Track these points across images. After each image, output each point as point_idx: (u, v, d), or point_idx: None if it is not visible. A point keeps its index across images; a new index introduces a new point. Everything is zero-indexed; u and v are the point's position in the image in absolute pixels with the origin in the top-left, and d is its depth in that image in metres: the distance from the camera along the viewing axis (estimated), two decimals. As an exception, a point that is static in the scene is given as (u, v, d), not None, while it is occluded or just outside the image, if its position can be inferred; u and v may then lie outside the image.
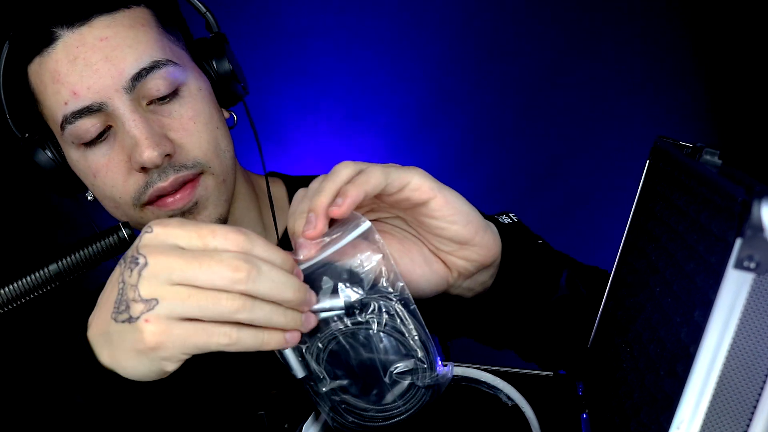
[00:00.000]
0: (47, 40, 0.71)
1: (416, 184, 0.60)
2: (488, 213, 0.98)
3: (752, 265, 0.35)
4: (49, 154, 0.78)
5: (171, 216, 0.76)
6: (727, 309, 0.37)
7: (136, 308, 0.50)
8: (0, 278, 0.60)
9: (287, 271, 0.52)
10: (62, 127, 0.73)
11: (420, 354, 0.56)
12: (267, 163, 0.96)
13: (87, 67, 0.71)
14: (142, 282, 0.50)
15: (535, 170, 1.97)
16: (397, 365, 0.57)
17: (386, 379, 0.57)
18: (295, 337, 0.54)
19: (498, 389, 0.64)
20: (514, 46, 1.90)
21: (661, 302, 0.49)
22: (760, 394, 0.37)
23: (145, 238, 0.52)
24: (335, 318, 0.56)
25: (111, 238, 0.62)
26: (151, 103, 0.74)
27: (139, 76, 0.72)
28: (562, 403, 0.65)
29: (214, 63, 0.81)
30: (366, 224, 0.55)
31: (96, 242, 0.62)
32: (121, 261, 0.54)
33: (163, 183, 0.74)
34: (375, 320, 0.56)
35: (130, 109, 0.72)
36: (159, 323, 0.50)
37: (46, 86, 0.72)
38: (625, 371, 0.54)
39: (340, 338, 0.57)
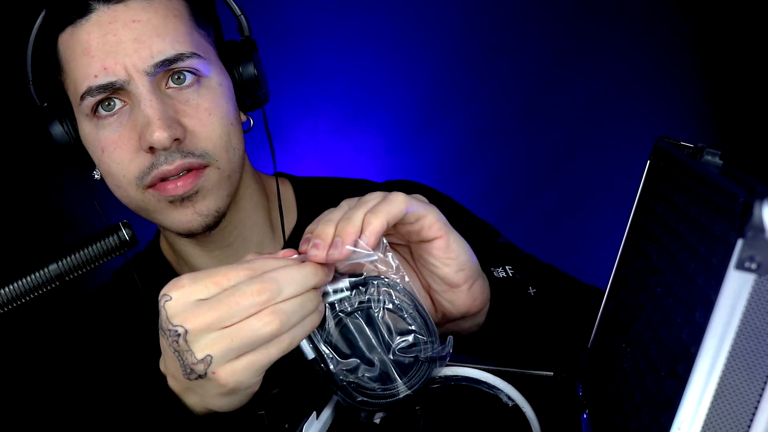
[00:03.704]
0: (82, 11, 0.73)
1: (430, 220, 0.63)
2: (489, 214, 0.97)
3: (753, 266, 0.35)
4: (65, 126, 0.79)
5: (171, 201, 0.77)
6: (729, 310, 0.36)
7: (199, 368, 0.55)
8: (0, 278, 0.60)
9: (299, 265, 0.56)
10: (82, 98, 0.74)
11: (419, 328, 0.60)
12: (265, 162, 0.96)
13: (117, 45, 0.72)
14: (192, 346, 0.54)
15: (536, 170, 1.97)
16: (399, 340, 0.60)
17: (390, 356, 0.60)
18: (322, 306, 0.59)
19: (498, 389, 0.64)
20: (515, 46, 1.89)
21: (662, 303, 0.49)
22: (761, 395, 0.37)
23: (171, 309, 0.54)
24: (340, 301, 0.60)
25: (111, 238, 0.62)
26: (170, 87, 0.75)
27: (162, 64, 0.73)
28: (563, 404, 0.65)
29: (240, 66, 0.82)
30: (374, 257, 0.60)
31: (96, 242, 0.62)
32: (162, 333, 0.57)
33: (169, 166, 0.74)
34: (375, 298, 0.60)
35: (149, 90, 0.73)
36: (224, 370, 0.54)
37: (76, 57, 0.74)
38: (626, 372, 0.54)
39: (346, 320, 0.60)
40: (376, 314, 0.61)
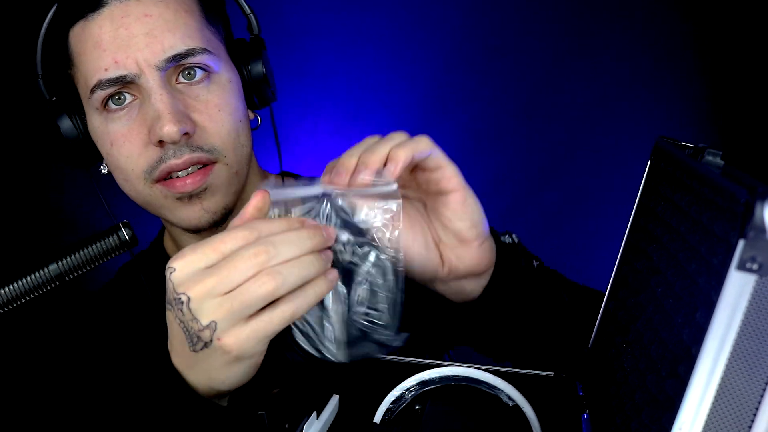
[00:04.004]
0: (94, 5, 0.73)
1: (450, 172, 0.66)
2: (489, 214, 0.97)
3: (755, 267, 0.35)
4: (74, 120, 0.79)
5: (179, 198, 0.77)
6: (730, 310, 0.36)
7: (205, 335, 0.55)
8: (0, 278, 0.60)
9: (297, 228, 0.57)
10: (92, 91, 0.74)
11: (385, 311, 0.61)
12: (269, 161, 0.96)
13: (129, 39, 0.73)
14: (196, 313, 0.55)
15: (536, 170, 1.96)
16: (362, 311, 0.61)
17: (347, 321, 0.61)
18: (334, 275, 0.58)
19: (498, 389, 0.64)
20: (515, 46, 1.89)
21: (662, 303, 0.49)
22: (762, 396, 0.37)
23: (175, 278, 0.56)
24: (333, 250, 0.60)
25: (111, 239, 0.62)
26: (180, 82, 0.76)
27: (173, 59, 0.74)
28: (563, 404, 0.65)
29: (249, 64, 0.83)
30: (394, 186, 0.61)
31: (96, 242, 0.62)
32: (168, 306, 0.58)
33: (177, 160, 0.75)
34: (363, 266, 0.61)
35: (159, 84, 0.73)
36: (229, 336, 0.55)
37: (87, 51, 0.74)
38: (626, 372, 0.54)
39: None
40: (356, 277, 0.61)
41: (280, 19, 1.84)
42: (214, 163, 0.77)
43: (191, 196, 0.77)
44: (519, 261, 0.75)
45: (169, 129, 0.72)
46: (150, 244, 0.98)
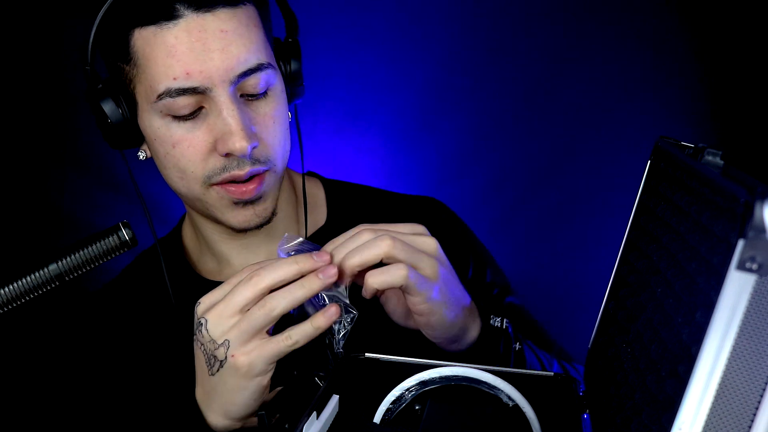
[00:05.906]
0: (169, 15, 0.73)
1: (419, 300, 0.71)
2: (490, 214, 0.97)
3: (754, 267, 0.35)
4: (120, 109, 0.79)
5: (235, 203, 0.80)
6: (729, 310, 0.36)
7: (221, 352, 0.67)
8: (0, 278, 0.60)
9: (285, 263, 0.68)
10: (159, 97, 0.75)
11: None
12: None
13: (204, 53, 0.74)
14: (212, 333, 0.67)
15: (536, 170, 1.96)
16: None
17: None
18: (331, 312, 0.67)
19: (498, 389, 0.64)
20: (515, 46, 1.89)
21: (662, 303, 0.49)
22: (762, 396, 0.37)
23: (199, 309, 0.69)
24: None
25: (111, 239, 0.62)
26: (243, 95, 0.78)
27: (245, 74, 0.76)
28: (563, 404, 0.65)
29: (291, 64, 0.85)
30: (351, 310, 0.70)
31: (96, 242, 0.62)
32: (194, 336, 0.70)
33: (240, 171, 0.78)
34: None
35: (230, 99, 0.75)
36: (240, 353, 0.66)
37: (157, 58, 0.74)
38: (626, 372, 0.54)
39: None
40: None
41: (279, 19, 1.84)
42: (266, 171, 0.80)
43: (245, 203, 0.81)
44: (498, 347, 0.78)
45: (241, 145, 0.75)
46: (169, 232, 1.00)
